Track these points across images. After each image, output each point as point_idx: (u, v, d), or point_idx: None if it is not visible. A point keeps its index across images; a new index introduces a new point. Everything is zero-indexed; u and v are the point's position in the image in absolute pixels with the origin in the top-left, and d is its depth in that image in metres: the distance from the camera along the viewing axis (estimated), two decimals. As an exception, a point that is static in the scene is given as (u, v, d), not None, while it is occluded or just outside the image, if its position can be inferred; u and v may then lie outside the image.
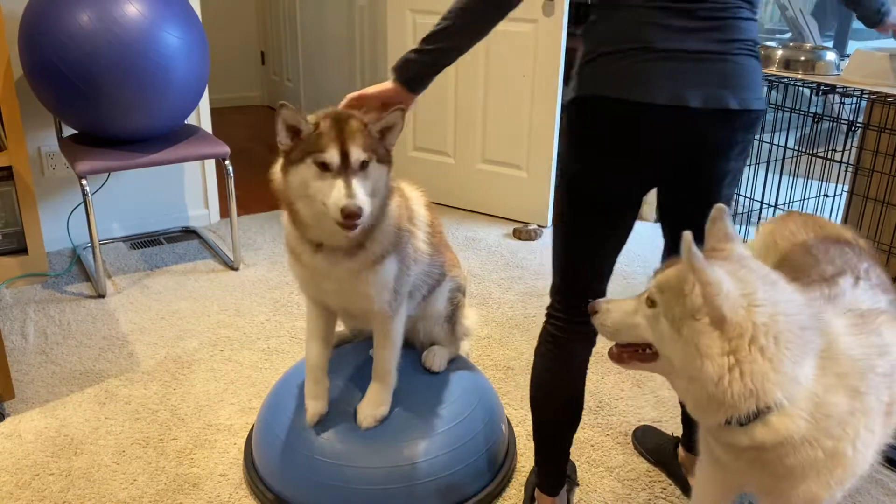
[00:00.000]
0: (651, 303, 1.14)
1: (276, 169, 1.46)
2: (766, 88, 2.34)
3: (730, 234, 1.18)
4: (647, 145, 1.35)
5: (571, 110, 1.41)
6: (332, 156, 1.37)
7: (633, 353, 1.20)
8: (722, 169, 1.41)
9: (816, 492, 1.13)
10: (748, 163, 2.42)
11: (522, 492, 1.82)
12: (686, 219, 1.45)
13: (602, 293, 1.52)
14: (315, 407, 1.69)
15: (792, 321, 1.07)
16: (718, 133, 1.35)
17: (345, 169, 1.37)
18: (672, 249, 1.53)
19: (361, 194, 1.36)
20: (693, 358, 1.08)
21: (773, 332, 1.05)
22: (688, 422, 1.80)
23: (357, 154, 1.38)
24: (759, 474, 1.16)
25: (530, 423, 2.09)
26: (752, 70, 1.35)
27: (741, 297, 1.06)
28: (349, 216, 1.34)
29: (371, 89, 1.50)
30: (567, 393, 1.58)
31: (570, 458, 1.75)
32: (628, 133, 1.35)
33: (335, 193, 1.35)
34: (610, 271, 1.53)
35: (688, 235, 1.05)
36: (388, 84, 1.49)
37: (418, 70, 1.46)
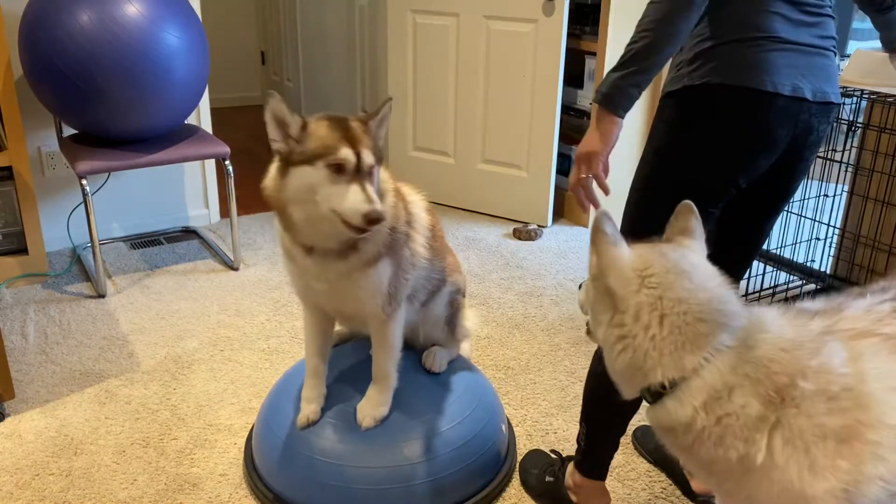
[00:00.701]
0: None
1: (272, 171, 1.42)
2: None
3: (690, 229, 1.19)
4: (770, 135, 1.37)
5: (692, 97, 1.38)
6: (349, 159, 1.34)
7: None
8: (810, 162, 1.46)
9: (752, 497, 1.10)
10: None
11: (522, 490, 1.82)
12: (758, 215, 1.51)
13: None
14: (307, 410, 1.69)
15: (687, 309, 1.08)
16: (821, 126, 1.40)
17: (358, 173, 1.35)
18: (726, 247, 1.50)
19: (377, 199, 1.35)
20: (594, 325, 1.16)
21: (659, 312, 1.07)
22: None
23: (368, 157, 1.37)
24: (689, 460, 1.17)
25: (530, 423, 2.09)
26: (836, 67, 1.42)
27: (636, 276, 1.09)
28: (372, 222, 1.33)
29: (596, 142, 1.40)
30: None
31: (566, 454, 1.76)
32: (755, 122, 1.35)
33: (353, 198, 1.33)
34: None
35: (601, 210, 1.09)
36: (593, 126, 1.40)
37: (633, 95, 1.38)
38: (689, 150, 1.41)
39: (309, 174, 1.35)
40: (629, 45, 1.36)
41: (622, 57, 1.36)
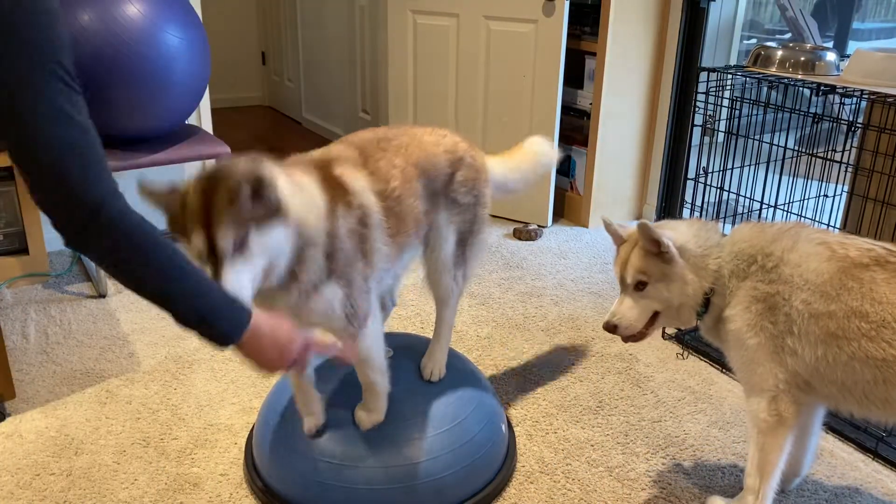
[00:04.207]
0: None
1: None
2: (766, 89, 2.34)
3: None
4: None
5: None
6: (197, 243, 1.20)
7: None
8: None
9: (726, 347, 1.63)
10: (748, 163, 2.41)
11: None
12: None
13: None
14: (311, 421, 1.69)
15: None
16: None
17: (214, 256, 1.19)
18: None
19: (232, 279, 1.18)
20: None
21: None
22: None
23: (225, 240, 1.18)
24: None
25: (530, 422, 2.10)
26: None
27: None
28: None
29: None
30: None
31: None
32: None
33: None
34: None
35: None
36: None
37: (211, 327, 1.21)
38: None
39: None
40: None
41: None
